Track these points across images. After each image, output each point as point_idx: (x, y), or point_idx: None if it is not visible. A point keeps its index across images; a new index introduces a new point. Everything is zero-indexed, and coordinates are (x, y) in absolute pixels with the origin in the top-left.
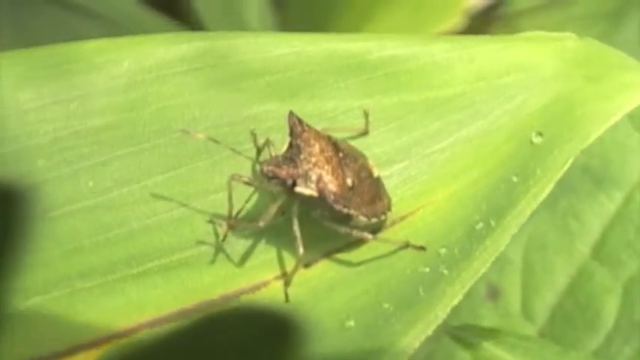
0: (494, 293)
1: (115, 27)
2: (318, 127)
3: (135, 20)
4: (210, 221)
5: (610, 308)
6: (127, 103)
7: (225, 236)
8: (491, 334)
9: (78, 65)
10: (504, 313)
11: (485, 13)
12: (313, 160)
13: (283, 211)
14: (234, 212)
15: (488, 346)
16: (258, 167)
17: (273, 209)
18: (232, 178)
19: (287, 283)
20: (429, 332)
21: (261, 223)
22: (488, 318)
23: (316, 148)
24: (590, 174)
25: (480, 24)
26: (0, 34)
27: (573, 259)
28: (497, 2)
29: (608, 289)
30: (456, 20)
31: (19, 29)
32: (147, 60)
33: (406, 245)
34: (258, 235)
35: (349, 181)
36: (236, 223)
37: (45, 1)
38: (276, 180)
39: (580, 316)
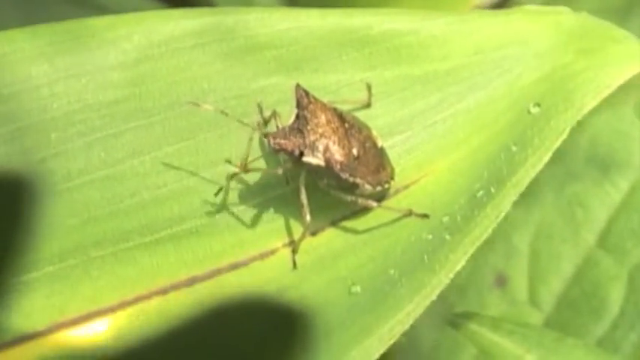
0: (501, 281)
1: None
2: (323, 100)
3: None
4: (225, 184)
5: (615, 295)
6: (137, 76)
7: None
8: (490, 321)
9: (89, 40)
10: (511, 301)
11: (496, 7)
12: (320, 130)
13: (288, 181)
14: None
15: (487, 333)
16: (265, 139)
17: (288, 163)
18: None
19: (294, 251)
20: (433, 297)
21: (280, 170)
22: (495, 306)
23: (323, 119)
24: (595, 163)
25: None
26: (7, 28)
27: (579, 247)
28: None
29: (613, 276)
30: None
31: (27, 24)
32: (156, 35)
33: (409, 213)
34: (266, 203)
35: (355, 151)
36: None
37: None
38: (283, 152)
39: (586, 303)
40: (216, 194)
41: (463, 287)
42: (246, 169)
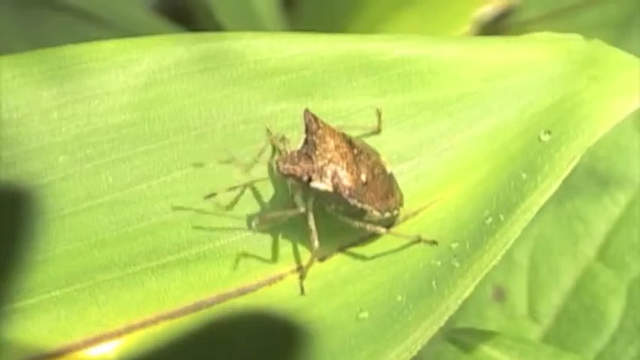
0: (500, 295)
1: (128, 36)
2: (333, 125)
3: (148, 30)
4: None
5: (614, 309)
6: (146, 101)
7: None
8: (489, 336)
9: (99, 64)
10: (510, 315)
11: (495, 23)
12: (328, 156)
13: (295, 205)
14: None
15: (487, 349)
16: (274, 164)
17: (298, 200)
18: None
19: (302, 277)
20: (442, 323)
21: (290, 213)
22: (494, 319)
23: (331, 144)
24: (594, 177)
25: (489, 33)
26: (11, 42)
27: (578, 260)
28: (507, 12)
29: (612, 290)
30: (466, 29)
31: (30, 39)
32: (166, 59)
33: (418, 240)
34: (274, 229)
35: (363, 177)
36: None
37: (56, 10)
38: (292, 177)
39: (585, 317)
40: (224, 219)
41: (462, 301)
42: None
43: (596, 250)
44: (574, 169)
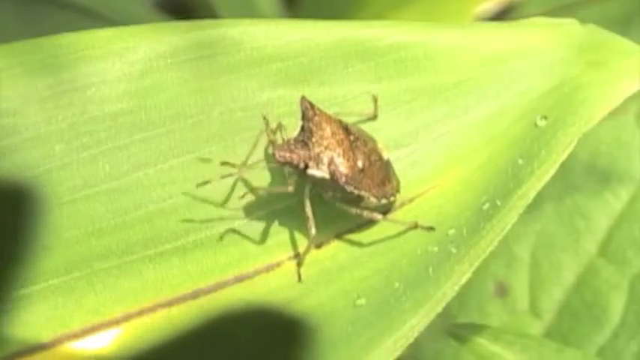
0: (502, 291)
1: None
2: (329, 112)
3: None
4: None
5: (616, 304)
6: (142, 89)
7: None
8: (491, 332)
9: (95, 52)
10: (512, 310)
11: (495, 20)
12: (325, 142)
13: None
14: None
15: (488, 344)
16: (270, 151)
17: (293, 178)
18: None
19: (300, 264)
20: (439, 310)
21: (290, 188)
22: (496, 315)
23: (328, 131)
24: (596, 173)
25: None
26: (13, 39)
27: (580, 256)
28: (507, 9)
29: (614, 285)
30: None
31: (32, 36)
32: (162, 47)
33: (415, 226)
34: (271, 216)
35: (360, 164)
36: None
37: (59, 7)
38: (288, 164)
39: (587, 312)
40: (221, 207)
41: (464, 296)
42: (244, 165)
43: (597, 246)
44: (575, 166)
